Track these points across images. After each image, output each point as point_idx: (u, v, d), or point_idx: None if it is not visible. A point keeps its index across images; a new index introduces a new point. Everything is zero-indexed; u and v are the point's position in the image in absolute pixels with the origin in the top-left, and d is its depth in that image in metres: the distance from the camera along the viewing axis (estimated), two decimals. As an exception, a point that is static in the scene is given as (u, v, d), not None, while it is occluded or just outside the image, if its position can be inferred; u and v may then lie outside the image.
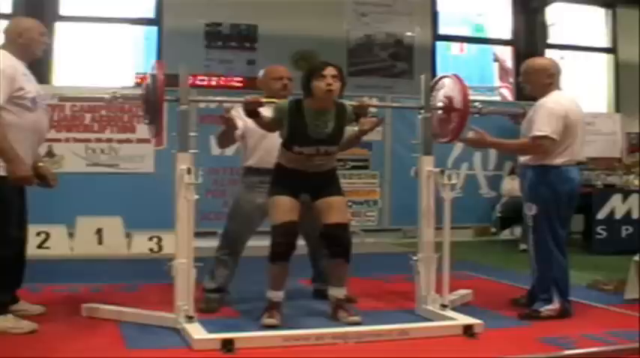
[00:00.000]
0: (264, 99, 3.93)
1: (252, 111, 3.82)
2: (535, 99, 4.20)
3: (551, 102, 4.05)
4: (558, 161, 4.04)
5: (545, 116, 4.00)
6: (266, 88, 4.34)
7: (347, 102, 4.00)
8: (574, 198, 4.16)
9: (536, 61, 4.33)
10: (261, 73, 4.49)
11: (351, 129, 4.08)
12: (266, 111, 3.92)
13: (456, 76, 4.33)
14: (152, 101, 3.73)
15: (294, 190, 3.89)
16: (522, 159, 4.29)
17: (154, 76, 3.70)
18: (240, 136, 4.32)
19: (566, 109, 4.03)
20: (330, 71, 3.80)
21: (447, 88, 4.30)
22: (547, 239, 4.07)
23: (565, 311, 4.06)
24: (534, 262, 4.15)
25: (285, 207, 3.86)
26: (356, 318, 3.86)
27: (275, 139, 4.03)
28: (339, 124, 3.90)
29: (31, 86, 3.70)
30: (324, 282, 4.30)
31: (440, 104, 4.28)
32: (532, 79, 4.20)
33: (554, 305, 4.04)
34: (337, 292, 3.97)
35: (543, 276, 4.10)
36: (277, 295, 3.86)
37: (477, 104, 4.33)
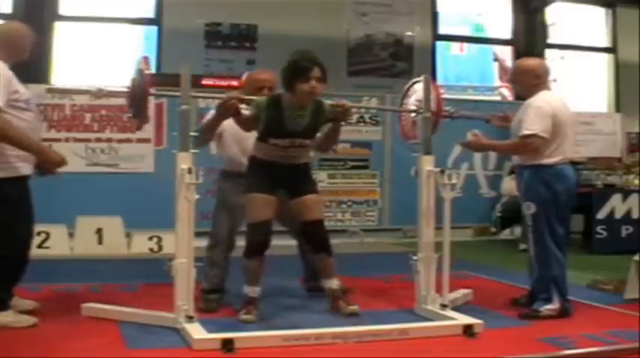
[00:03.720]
0: (245, 96, 3.99)
1: (233, 108, 3.84)
2: (524, 98, 4.27)
3: (539, 101, 4.10)
4: (552, 160, 4.08)
5: (533, 115, 4.05)
6: (248, 93, 4.24)
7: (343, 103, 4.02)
8: (571, 196, 4.19)
9: (525, 62, 4.40)
10: (245, 75, 4.51)
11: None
12: (244, 111, 3.98)
13: (430, 80, 4.40)
14: (138, 95, 3.77)
15: (271, 185, 3.96)
16: (516, 159, 4.32)
17: (140, 71, 3.74)
18: (217, 135, 4.34)
19: (554, 108, 4.08)
20: (315, 73, 3.81)
21: (419, 92, 4.32)
22: (546, 238, 4.09)
23: (565, 311, 4.07)
24: (534, 261, 4.16)
25: (260, 205, 3.94)
26: (355, 307, 3.92)
27: (248, 142, 4.12)
28: (315, 120, 3.95)
29: (22, 88, 3.79)
30: (315, 278, 4.39)
31: (413, 107, 4.38)
32: (520, 79, 4.29)
33: (554, 305, 4.06)
34: (330, 283, 4.04)
35: (543, 275, 4.11)
36: (254, 290, 3.96)
37: (448, 108, 4.44)
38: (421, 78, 4.29)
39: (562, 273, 4.12)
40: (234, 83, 8.24)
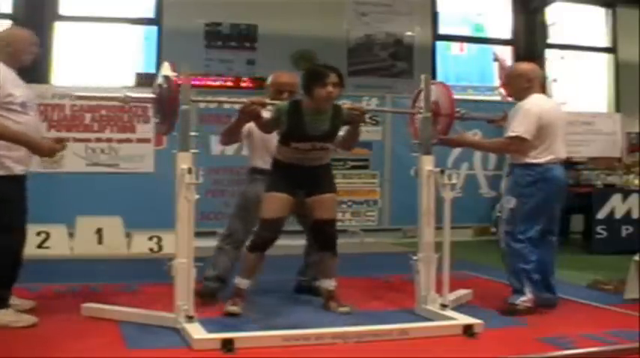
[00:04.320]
0: (267, 101, 4.08)
1: (254, 113, 3.94)
2: (514, 99, 4.44)
3: (529, 104, 4.27)
4: (542, 160, 4.23)
5: (521, 117, 4.22)
6: (270, 95, 4.37)
7: (343, 104, 4.14)
8: (559, 196, 4.34)
9: (519, 66, 4.64)
10: (269, 77, 4.54)
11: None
12: (265, 113, 4.06)
13: (442, 84, 4.53)
14: (165, 102, 3.75)
15: (290, 186, 4.07)
16: (509, 158, 4.46)
17: (167, 77, 3.72)
18: (245, 136, 4.42)
19: (542, 110, 4.24)
20: (332, 79, 3.96)
21: (432, 94, 4.36)
22: (520, 232, 4.23)
23: (539, 300, 4.20)
24: (507, 253, 4.32)
25: (275, 203, 4.05)
26: (346, 308, 4.08)
27: (273, 143, 4.20)
28: (334, 124, 4.08)
29: (19, 91, 3.83)
30: (309, 276, 4.53)
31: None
32: (513, 82, 4.44)
33: (528, 296, 4.19)
34: (327, 284, 4.20)
35: (515, 268, 4.25)
36: (244, 283, 4.08)
37: (460, 109, 4.51)
38: (436, 82, 4.35)
39: (533, 267, 4.23)
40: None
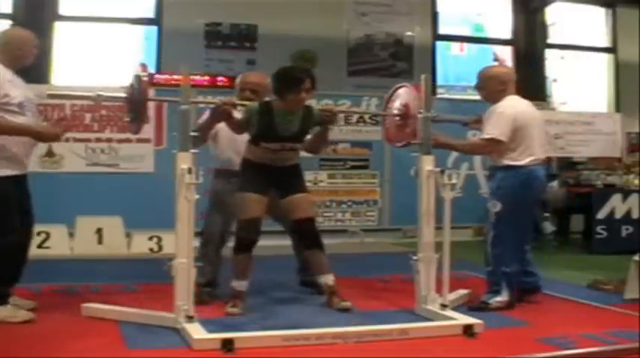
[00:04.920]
0: (237, 102, 4.11)
1: (225, 113, 3.98)
2: (488, 101, 4.44)
3: (502, 106, 4.31)
4: (524, 162, 4.27)
5: (495, 119, 4.27)
6: (238, 95, 4.41)
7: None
8: (541, 194, 4.48)
9: (491, 69, 4.64)
10: (238, 78, 4.57)
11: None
12: (236, 114, 4.11)
13: (414, 86, 4.51)
14: (136, 101, 3.81)
15: (263, 185, 4.13)
16: (491, 160, 4.49)
17: (137, 77, 3.77)
18: (211, 136, 4.43)
19: (516, 112, 4.29)
20: (305, 85, 4.00)
21: (403, 97, 4.39)
22: (507, 236, 4.26)
23: (512, 304, 4.25)
24: (490, 256, 4.31)
25: (252, 203, 4.11)
26: (347, 303, 4.10)
27: (241, 143, 4.23)
28: (304, 125, 4.15)
29: (17, 92, 3.84)
30: (308, 273, 4.52)
31: (396, 112, 4.42)
32: (486, 85, 4.45)
33: (503, 298, 4.26)
34: (326, 279, 4.22)
35: (496, 270, 4.28)
36: (241, 284, 4.12)
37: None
38: (405, 83, 4.38)
39: (516, 269, 4.29)
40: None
